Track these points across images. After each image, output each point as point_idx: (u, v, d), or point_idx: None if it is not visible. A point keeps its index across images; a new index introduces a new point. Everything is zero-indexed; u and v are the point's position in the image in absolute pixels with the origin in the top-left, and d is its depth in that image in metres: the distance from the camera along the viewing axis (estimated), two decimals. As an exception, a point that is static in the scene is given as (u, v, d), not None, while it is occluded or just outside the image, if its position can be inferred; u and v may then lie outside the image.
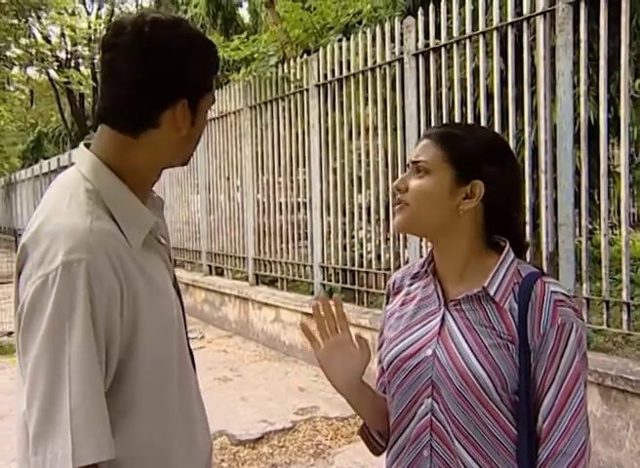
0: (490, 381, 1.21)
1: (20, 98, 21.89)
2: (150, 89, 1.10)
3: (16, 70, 18.96)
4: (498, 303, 1.25)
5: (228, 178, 7.71)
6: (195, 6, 14.56)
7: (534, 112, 4.01)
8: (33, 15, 17.42)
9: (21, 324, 1.01)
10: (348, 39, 5.58)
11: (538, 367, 1.21)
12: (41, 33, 19.53)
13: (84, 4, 23.66)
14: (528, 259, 3.87)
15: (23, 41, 16.42)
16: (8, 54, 17.31)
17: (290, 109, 6.45)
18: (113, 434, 1.04)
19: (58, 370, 0.98)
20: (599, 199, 3.64)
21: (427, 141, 1.30)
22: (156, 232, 1.20)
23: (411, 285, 1.41)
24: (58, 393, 0.97)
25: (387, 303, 1.47)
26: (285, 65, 6.48)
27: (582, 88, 3.64)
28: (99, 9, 24.45)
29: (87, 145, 1.18)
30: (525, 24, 3.94)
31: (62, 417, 0.96)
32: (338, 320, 1.36)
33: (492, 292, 1.25)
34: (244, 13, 15.58)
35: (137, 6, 18.84)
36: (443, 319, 1.29)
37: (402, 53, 4.92)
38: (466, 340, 1.24)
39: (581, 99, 3.66)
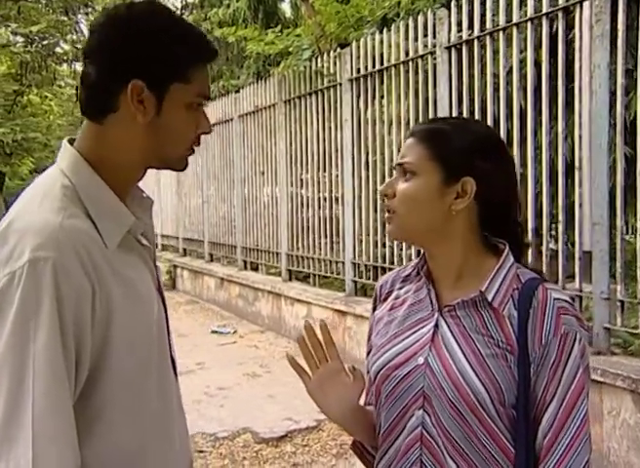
0: (486, 394, 1.12)
1: (69, 93, 22.36)
2: (106, 67, 1.08)
3: (64, 66, 19.36)
4: (496, 309, 1.16)
5: (263, 173, 7.70)
6: (237, 0, 14.59)
7: (569, 106, 3.86)
8: (81, 11, 17.75)
9: None
10: (382, 32, 5.49)
11: (538, 379, 1.13)
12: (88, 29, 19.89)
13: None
14: (561, 260, 3.73)
15: (70, 37, 16.72)
16: (57, 50, 17.69)
17: (323, 103, 6.39)
18: (86, 438, 1.01)
19: (21, 370, 0.94)
20: (635, 197, 3.48)
21: (412, 140, 1.21)
22: (136, 232, 1.15)
23: (400, 288, 1.33)
24: (21, 396, 0.94)
25: (375, 308, 1.38)
26: (319, 59, 6.42)
27: (620, 81, 3.48)
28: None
29: (72, 141, 1.15)
30: (560, 15, 3.79)
31: (25, 422, 0.93)
32: (326, 347, 1.28)
33: (490, 298, 1.16)
34: (285, 7, 15.55)
35: (182, 1, 19.03)
36: (436, 325, 1.21)
37: (434, 46, 4.80)
38: (462, 349, 1.16)
39: (618, 93, 3.50)
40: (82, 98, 1.12)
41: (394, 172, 1.25)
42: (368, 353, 1.38)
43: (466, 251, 1.22)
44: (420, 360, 1.20)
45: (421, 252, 1.32)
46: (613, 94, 3.56)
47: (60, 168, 1.11)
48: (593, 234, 3.63)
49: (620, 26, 3.44)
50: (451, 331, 1.19)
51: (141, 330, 1.10)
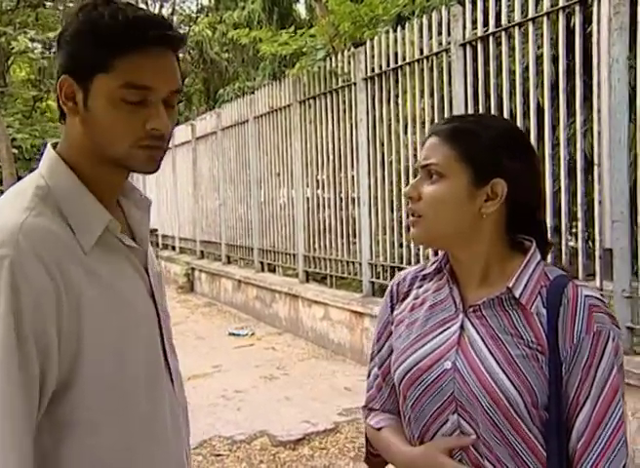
0: (520, 397, 1.08)
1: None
2: (57, 70, 1.09)
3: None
4: (524, 307, 1.12)
5: (279, 174, 7.68)
6: (252, 2, 14.62)
7: (587, 101, 3.78)
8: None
9: None
10: (396, 31, 5.44)
11: (570, 379, 1.08)
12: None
13: (146, 4, 24.16)
14: (581, 258, 3.66)
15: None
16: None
17: (338, 103, 6.36)
18: (64, 439, 0.99)
19: None
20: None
21: (436, 140, 1.16)
22: (115, 231, 1.11)
23: (420, 287, 1.28)
24: None
25: (393, 307, 1.32)
26: (333, 59, 6.38)
27: (639, 75, 3.41)
28: (160, 8, 24.92)
29: (55, 144, 1.14)
30: (577, 8, 3.72)
31: None
32: None
33: (517, 294, 1.12)
34: (300, 7, 15.56)
35: (197, 4, 19.12)
36: (462, 327, 1.16)
37: (449, 43, 4.75)
38: (490, 351, 1.12)
39: (638, 88, 3.42)
40: None
41: (418, 173, 1.20)
42: (376, 354, 1.34)
43: (493, 253, 1.18)
44: (448, 364, 1.16)
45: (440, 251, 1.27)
46: (632, 88, 3.49)
47: (39, 169, 1.10)
48: (614, 231, 3.55)
49: None
50: (478, 333, 1.15)
51: (122, 332, 1.06)
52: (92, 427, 1.03)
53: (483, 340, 1.13)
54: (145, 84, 1.05)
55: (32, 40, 15.39)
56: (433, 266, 1.27)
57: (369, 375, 1.37)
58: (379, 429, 1.30)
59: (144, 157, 1.08)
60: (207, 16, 17.34)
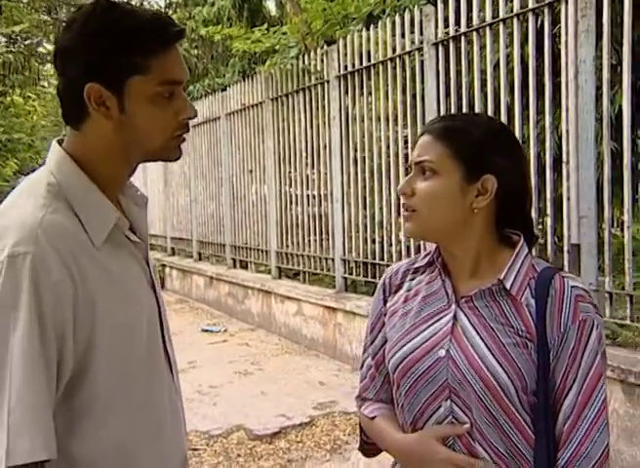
0: (510, 383, 1.15)
1: (53, 94, 22.21)
2: (66, 77, 1.10)
3: (47, 66, 19.21)
4: (514, 298, 1.18)
5: (251, 171, 7.70)
6: (221, -2, 14.54)
7: (556, 101, 3.89)
8: (64, 10, 17.62)
9: None
10: (369, 29, 5.51)
11: (557, 365, 1.15)
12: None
13: (114, -1, 23.86)
14: (549, 252, 3.76)
15: (53, 37, 16.58)
16: (40, 49, 17.56)
17: (311, 101, 6.40)
18: (73, 434, 1.02)
19: (0, 360, 0.96)
20: (622, 190, 3.52)
21: (429, 138, 1.21)
22: (123, 228, 1.15)
23: (412, 280, 1.33)
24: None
25: (385, 300, 1.37)
26: (305, 57, 6.43)
27: (605, 76, 3.52)
28: (127, 3, 24.65)
29: (60, 141, 1.16)
30: (547, 10, 3.83)
31: (2, 412, 0.95)
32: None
33: (508, 285, 1.18)
34: (270, 5, 15.52)
35: (165, 0, 18.95)
36: (455, 317, 1.22)
37: (422, 42, 4.83)
38: (483, 339, 1.18)
39: (604, 88, 3.54)
40: (61, 108, 1.14)
41: (410, 170, 1.24)
42: (370, 344, 1.38)
43: (483, 246, 1.23)
44: (442, 352, 1.20)
45: (425, 245, 1.32)
46: (598, 88, 3.60)
47: (47, 167, 1.13)
48: (581, 227, 3.67)
49: (606, 22, 3.48)
50: (470, 322, 1.20)
51: (130, 327, 1.11)
52: (103, 418, 1.07)
53: (475, 329, 1.19)
54: (176, 78, 1.12)
55: (-3, 34, 15.11)
56: (425, 259, 1.32)
57: (362, 366, 1.41)
58: (372, 418, 1.34)
59: (176, 146, 1.15)
60: (176, 12, 17.17)
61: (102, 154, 1.12)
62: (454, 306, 1.23)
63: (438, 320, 1.24)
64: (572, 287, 1.17)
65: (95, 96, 1.08)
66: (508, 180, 1.20)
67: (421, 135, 1.24)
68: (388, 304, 1.36)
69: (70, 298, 1.01)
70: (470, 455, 1.18)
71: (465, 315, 1.21)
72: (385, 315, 1.36)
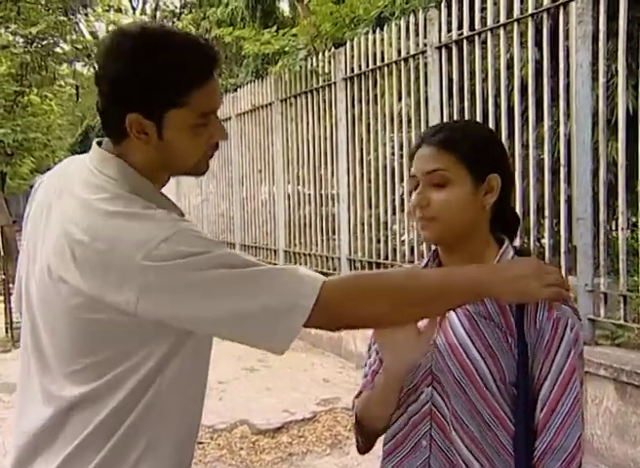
0: (489, 372, 1.22)
1: (70, 93, 22.41)
2: (108, 101, 1.15)
3: (64, 66, 19.40)
4: None
5: (260, 171, 7.80)
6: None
7: (554, 104, 3.96)
8: (81, 11, 17.80)
9: None
10: (375, 32, 5.59)
11: (535, 360, 1.22)
12: (88, 29, 19.94)
13: (130, 0, 24.05)
14: (547, 254, 3.82)
15: (69, 37, 16.77)
16: (57, 50, 17.75)
17: (318, 102, 6.49)
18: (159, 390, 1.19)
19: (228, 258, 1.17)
20: (617, 192, 3.58)
21: (433, 150, 1.28)
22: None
23: None
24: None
25: None
26: (314, 59, 6.52)
27: (601, 80, 3.59)
28: (143, 4, 24.84)
29: (100, 143, 1.23)
30: (545, 16, 3.89)
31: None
32: None
33: None
34: (284, 5, 15.62)
35: (181, 0, 19.13)
36: None
37: (426, 45, 4.91)
38: (465, 329, 1.26)
39: (600, 92, 3.60)
40: (102, 124, 1.21)
41: (419, 182, 1.29)
42: (374, 343, 1.42)
43: (483, 241, 1.32)
44: (430, 341, 1.28)
45: (429, 247, 1.41)
46: (595, 92, 3.66)
47: (108, 174, 1.16)
48: (578, 229, 3.74)
49: (602, 28, 3.55)
50: (456, 314, 1.28)
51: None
52: (169, 408, 1.22)
53: (461, 322, 1.28)
54: (213, 109, 1.18)
55: (14, 34, 15.31)
56: (423, 263, 1.42)
57: (365, 364, 1.47)
58: (357, 396, 1.42)
59: (205, 164, 1.25)
60: (190, 12, 17.34)
61: (141, 168, 1.19)
62: None
63: None
64: None
65: (136, 124, 1.12)
66: (506, 176, 1.30)
67: (426, 146, 1.29)
68: None
69: None
70: (449, 443, 1.25)
71: (453, 310, 1.29)
72: None
